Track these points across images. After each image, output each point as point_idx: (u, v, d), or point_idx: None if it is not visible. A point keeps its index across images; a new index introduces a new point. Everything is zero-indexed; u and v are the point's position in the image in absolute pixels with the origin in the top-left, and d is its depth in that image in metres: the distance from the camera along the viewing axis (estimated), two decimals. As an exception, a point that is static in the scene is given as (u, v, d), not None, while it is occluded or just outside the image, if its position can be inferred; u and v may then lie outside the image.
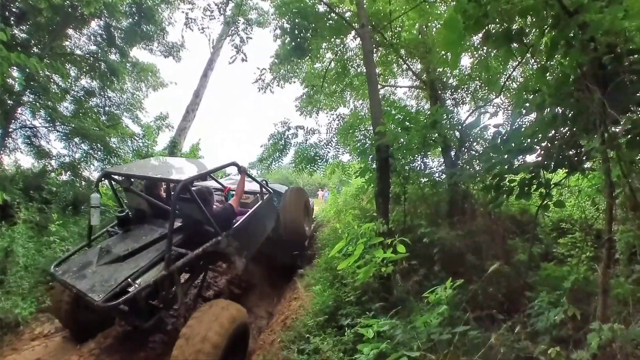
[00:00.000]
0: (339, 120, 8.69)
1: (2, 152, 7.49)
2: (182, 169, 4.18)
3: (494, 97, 6.00)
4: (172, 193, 3.52)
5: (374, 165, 4.85)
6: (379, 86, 7.73)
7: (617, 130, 2.41)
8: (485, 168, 3.90)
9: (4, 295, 4.17)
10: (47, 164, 8.14)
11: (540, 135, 3.29)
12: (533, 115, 3.76)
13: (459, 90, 6.69)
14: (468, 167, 5.00)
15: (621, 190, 2.66)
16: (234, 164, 4.33)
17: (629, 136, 2.30)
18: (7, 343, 3.84)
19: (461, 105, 6.88)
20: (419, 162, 5.26)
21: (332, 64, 8.22)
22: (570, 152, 2.97)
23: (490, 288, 3.65)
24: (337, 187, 12.26)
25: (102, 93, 9.27)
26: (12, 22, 7.10)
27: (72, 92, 8.82)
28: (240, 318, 3.37)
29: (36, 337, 3.99)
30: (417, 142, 4.51)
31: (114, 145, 8.83)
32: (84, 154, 8.48)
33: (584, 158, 2.90)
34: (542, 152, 3.49)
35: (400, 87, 9.05)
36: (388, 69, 8.20)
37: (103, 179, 4.01)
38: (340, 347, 3.07)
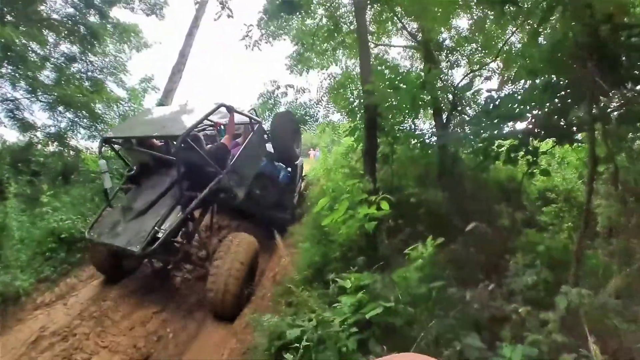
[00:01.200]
0: (330, 79, 8.46)
1: None
2: (175, 120, 4.39)
3: (489, 61, 5.79)
4: (173, 146, 3.93)
5: (364, 125, 4.82)
6: (372, 45, 7.40)
7: (608, 104, 2.37)
8: (474, 132, 3.89)
9: (3, 269, 4.22)
10: (32, 136, 7.83)
11: (532, 103, 3.23)
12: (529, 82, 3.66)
13: (455, 53, 6.45)
14: (458, 130, 4.97)
15: (606, 166, 2.68)
16: (222, 105, 4.55)
17: (620, 111, 2.26)
18: (11, 314, 3.97)
19: (456, 67, 6.71)
20: (409, 123, 5.21)
21: (324, 21, 7.80)
22: (561, 123, 2.93)
23: (472, 249, 3.79)
24: (328, 147, 12.24)
25: (83, 58, 8.66)
26: None
27: (52, 59, 8.26)
28: (253, 248, 4.21)
29: (38, 306, 4.14)
30: (406, 102, 4.44)
31: (100, 112, 8.48)
32: (70, 123, 8.15)
33: (574, 129, 2.87)
34: (532, 120, 3.45)
35: (395, 46, 8.68)
36: (382, 27, 7.79)
37: (104, 144, 4.35)
38: (325, 300, 3.21)
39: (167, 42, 11.36)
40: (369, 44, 6.94)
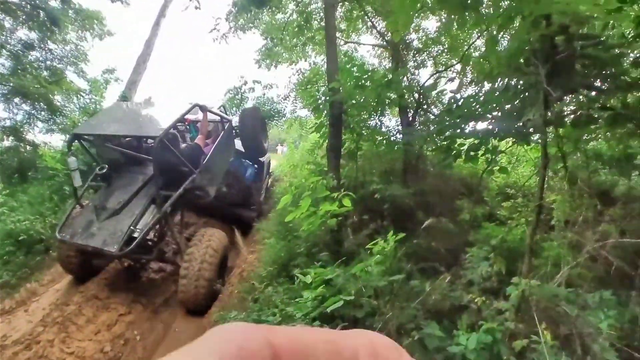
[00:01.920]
0: (298, 75, 8.47)
1: None
2: (148, 120, 4.37)
3: (455, 63, 6.02)
4: (151, 146, 3.95)
5: (329, 121, 4.89)
6: (342, 42, 7.43)
7: (561, 109, 2.55)
8: (437, 130, 4.05)
9: None
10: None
11: (492, 104, 3.41)
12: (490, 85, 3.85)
13: (422, 53, 6.63)
14: (423, 128, 5.16)
15: (561, 165, 2.88)
16: (196, 105, 4.59)
17: (575, 115, 2.45)
18: None
19: (422, 68, 6.88)
20: (375, 121, 5.33)
21: (295, 16, 7.75)
22: (518, 124, 3.13)
23: (433, 243, 3.98)
24: (295, 143, 12.26)
25: (42, 45, 8.17)
26: None
27: (8, 46, 7.71)
28: (224, 241, 4.33)
29: (-1, 313, 3.95)
30: (372, 100, 4.54)
31: (59, 104, 8.11)
32: (26, 116, 7.73)
33: (530, 130, 3.07)
34: (492, 120, 3.65)
35: (364, 44, 8.78)
36: (352, 25, 7.88)
37: (74, 140, 4.24)
38: (290, 295, 3.26)
39: (133, 31, 10.81)
40: (339, 41, 6.99)
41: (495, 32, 3.09)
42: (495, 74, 3.00)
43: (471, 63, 4.94)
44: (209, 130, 5.57)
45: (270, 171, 7.96)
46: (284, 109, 8.23)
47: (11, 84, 7.12)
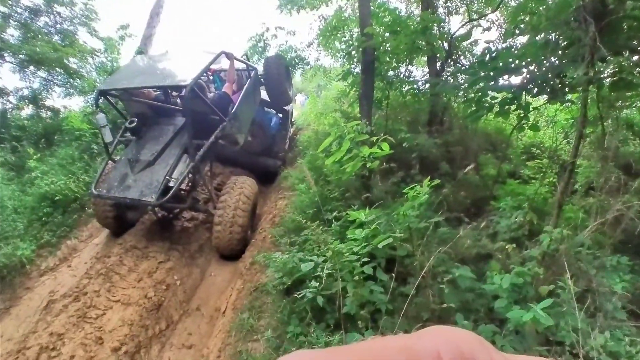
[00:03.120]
0: (321, 21, 8.14)
1: None
2: (173, 71, 4.37)
3: (489, 11, 5.69)
4: (181, 96, 4.04)
5: (357, 69, 4.80)
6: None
7: (603, 69, 2.49)
8: (470, 82, 3.99)
9: (2, 241, 4.25)
10: (5, 101, 7.43)
11: (529, 59, 3.32)
12: (526, 38, 3.72)
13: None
14: (452, 79, 5.05)
15: (592, 129, 2.85)
16: (222, 52, 4.61)
17: (614, 78, 2.40)
18: (19, 284, 4.05)
19: (453, 15, 6.58)
20: (403, 69, 5.23)
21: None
22: (555, 81, 3.06)
23: (460, 194, 4.08)
24: (316, 91, 12.12)
25: (49, 10, 7.91)
26: None
27: (15, 15, 7.53)
28: (255, 188, 4.54)
29: (43, 272, 4.24)
30: (404, 47, 4.48)
31: (75, 66, 8.01)
32: (43, 82, 7.75)
33: (567, 89, 3.01)
34: (528, 75, 3.56)
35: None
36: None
37: (100, 97, 4.31)
38: (328, 236, 3.39)
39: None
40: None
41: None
42: (541, 27, 2.89)
43: (510, 13, 4.68)
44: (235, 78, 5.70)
45: (293, 120, 8.02)
46: (307, 57, 8.05)
47: (23, 53, 7.09)
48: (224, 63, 5.51)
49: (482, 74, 3.87)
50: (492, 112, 3.84)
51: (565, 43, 2.88)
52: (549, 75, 3.18)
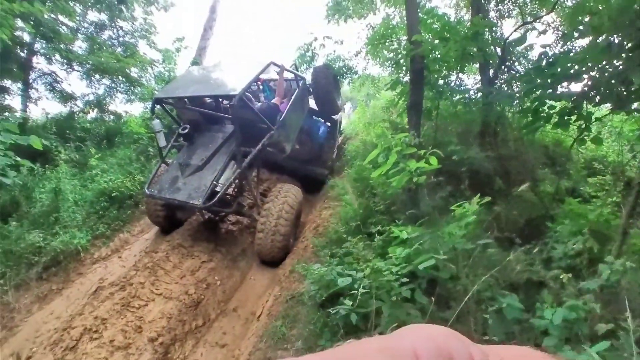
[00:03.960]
0: (368, 29, 8.09)
1: (27, 102, 7.64)
2: (224, 81, 4.61)
3: (544, 13, 5.27)
4: (230, 105, 4.15)
5: (406, 78, 4.69)
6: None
7: None
8: (526, 90, 3.73)
9: (61, 230, 4.69)
10: (73, 105, 8.29)
11: (590, 63, 3.03)
12: (586, 41, 3.40)
13: (505, 2, 5.92)
14: (506, 87, 4.74)
15: None
16: (271, 63, 4.74)
17: None
18: (72, 269, 4.44)
19: (506, 19, 6.23)
20: (454, 78, 5.01)
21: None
22: (620, 88, 2.76)
23: (513, 212, 3.79)
24: (365, 101, 12.04)
25: (113, 24, 8.79)
26: None
27: (82, 29, 8.46)
28: (300, 197, 4.57)
29: (96, 260, 4.61)
30: (454, 54, 4.29)
31: (135, 75, 8.79)
32: (107, 89, 8.58)
33: (633, 97, 2.70)
34: (589, 82, 3.26)
35: (438, -7, 8.07)
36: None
37: (157, 105, 4.61)
38: (369, 251, 3.37)
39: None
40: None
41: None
42: (604, 28, 2.62)
43: (568, 14, 4.30)
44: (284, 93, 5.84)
45: (341, 129, 8.06)
46: (356, 66, 8.11)
47: (90, 63, 7.84)
48: (274, 73, 5.65)
49: (539, 81, 3.59)
50: (550, 123, 3.54)
51: (630, 45, 2.58)
52: (613, 82, 2.87)
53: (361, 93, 11.54)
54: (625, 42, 2.72)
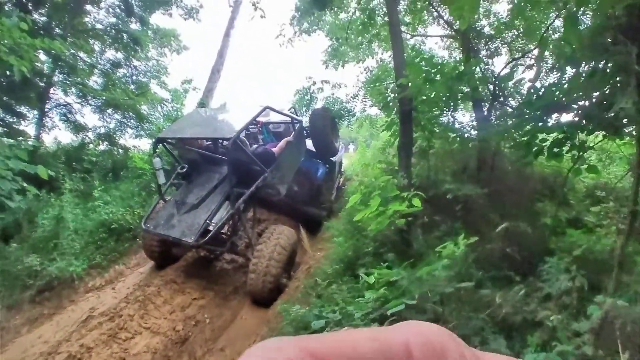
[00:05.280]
0: (366, 73, 8.43)
1: (41, 131, 8.09)
2: (224, 123, 4.77)
3: (532, 48, 5.39)
4: (225, 147, 4.26)
5: (399, 119, 4.74)
6: (408, 36, 7.27)
7: None
8: (515, 124, 3.72)
9: (59, 256, 4.78)
10: (84, 137, 8.67)
11: (576, 93, 3.04)
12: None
13: (494, 40, 6.08)
14: (499, 123, 4.74)
15: None
16: (266, 107, 4.87)
17: None
18: (65, 296, 4.49)
19: (497, 56, 6.32)
20: (447, 116, 5.03)
21: (357, 14, 7.74)
22: (609, 114, 2.73)
23: (508, 248, 3.64)
24: (367, 141, 12.19)
25: (127, 63, 9.42)
26: (30, 8, 7.20)
27: (99, 65, 9.04)
28: (293, 239, 4.50)
29: (89, 289, 4.64)
30: (442, 95, 4.30)
31: (145, 112, 9.24)
32: (118, 124, 8.97)
33: (623, 121, 2.66)
34: (578, 110, 3.25)
35: (431, 36, 8.40)
36: (418, 17, 7.56)
37: (158, 144, 4.77)
38: (354, 293, 3.28)
39: (205, 43, 11.97)
40: (405, 35, 6.81)
41: (574, 9, 2.74)
42: (577, 57, 2.65)
43: (550, 47, 4.39)
44: (280, 131, 6.01)
45: (342, 170, 8.09)
46: (354, 108, 8.38)
47: (104, 98, 8.30)
48: (273, 116, 5.91)
49: (528, 115, 3.60)
50: (543, 155, 3.49)
51: (611, 71, 2.58)
52: (602, 108, 2.85)
53: (363, 133, 11.79)
54: (606, 68, 2.73)
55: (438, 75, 4.12)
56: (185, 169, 4.65)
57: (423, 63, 4.29)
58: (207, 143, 4.93)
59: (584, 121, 3.19)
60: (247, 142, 4.91)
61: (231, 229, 4.65)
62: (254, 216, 5.22)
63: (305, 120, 6.31)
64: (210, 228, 4.04)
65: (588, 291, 2.42)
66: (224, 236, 4.61)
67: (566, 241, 3.55)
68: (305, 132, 5.83)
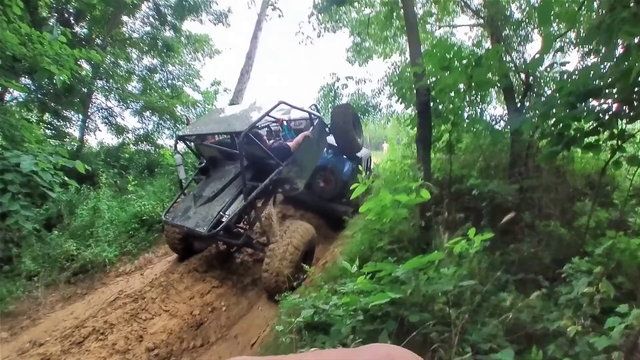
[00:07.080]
0: (393, 68, 8.10)
1: (85, 133, 8.79)
2: (239, 118, 4.77)
3: (564, 30, 4.78)
4: (237, 141, 4.22)
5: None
6: (436, 27, 6.92)
7: None
8: (541, 113, 3.35)
9: (94, 243, 5.16)
10: (125, 137, 9.31)
11: (613, 76, 2.65)
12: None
13: (525, 25, 5.47)
14: (530, 113, 4.29)
15: None
16: (281, 102, 4.83)
17: None
18: (98, 279, 4.85)
19: (528, 42, 5.70)
20: (471, 108, 4.63)
21: (379, 8, 7.41)
22: None
23: (539, 251, 3.30)
24: (397, 139, 11.85)
25: (163, 69, 9.93)
26: (72, 21, 7.80)
27: (137, 72, 9.64)
28: (309, 234, 4.46)
29: (120, 274, 4.95)
30: (461, 83, 3.86)
31: (180, 114, 9.66)
32: (155, 125, 9.53)
33: None
34: (619, 96, 2.83)
35: (459, 26, 7.80)
36: (444, 7, 7.13)
37: (179, 141, 4.95)
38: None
39: (236, 46, 12.31)
40: (432, 27, 6.48)
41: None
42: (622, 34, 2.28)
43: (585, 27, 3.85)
44: (301, 128, 5.94)
45: (371, 167, 7.92)
46: (379, 104, 8.08)
47: (142, 101, 8.83)
48: (294, 113, 5.91)
49: (558, 100, 3.20)
50: (575, 146, 3.08)
51: None
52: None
53: (393, 131, 11.44)
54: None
55: (455, 62, 3.77)
56: (202, 164, 4.81)
57: (435, 50, 3.97)
58: (223, 138, 5.03)
59: (624, 106, 2.79)
60: (266, 138, 4.89)
61: (247, 223, 4.68)
62: (276, 211, 5.21)
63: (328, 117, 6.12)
64: (223, 220, 4.11)
65: (624, 298, 2.09)
66: (241, 230, 4.63)
67: (604, 243, 3.12)
68: (327, 128, 5.70)
